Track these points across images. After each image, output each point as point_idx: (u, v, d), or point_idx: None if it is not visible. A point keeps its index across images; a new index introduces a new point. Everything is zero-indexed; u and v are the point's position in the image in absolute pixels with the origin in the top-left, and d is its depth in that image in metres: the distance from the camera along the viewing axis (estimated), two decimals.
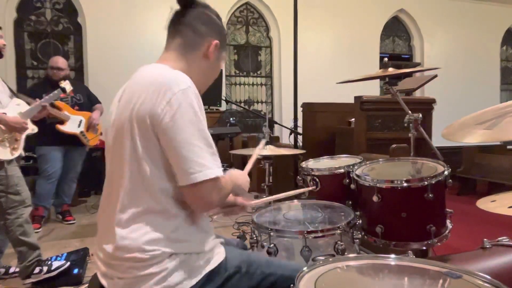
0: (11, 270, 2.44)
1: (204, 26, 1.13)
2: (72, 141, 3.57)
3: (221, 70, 5.68)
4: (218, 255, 1.06)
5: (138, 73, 1.07)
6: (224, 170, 1.05)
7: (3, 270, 2.44)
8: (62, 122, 3.47)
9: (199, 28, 1.12)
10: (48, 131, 3.38)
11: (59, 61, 3.61)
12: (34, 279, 2.25)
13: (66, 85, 3.01)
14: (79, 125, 3.58)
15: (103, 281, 1.01)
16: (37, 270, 2.25)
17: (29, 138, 2.45)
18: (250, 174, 1.35)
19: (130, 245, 0.95)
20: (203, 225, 1.07)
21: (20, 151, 2.30)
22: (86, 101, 3.74)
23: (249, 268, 1.07)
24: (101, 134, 3.82)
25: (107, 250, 1.00)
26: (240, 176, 1.21)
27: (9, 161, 2.21)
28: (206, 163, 0.95)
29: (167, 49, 1.14)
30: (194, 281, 0.98)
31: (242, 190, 1.21)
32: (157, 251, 0.95)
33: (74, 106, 3.63)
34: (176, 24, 1.13)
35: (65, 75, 3.59)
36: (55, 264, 2.30)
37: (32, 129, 2.47)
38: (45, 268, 2.26)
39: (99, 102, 3.90)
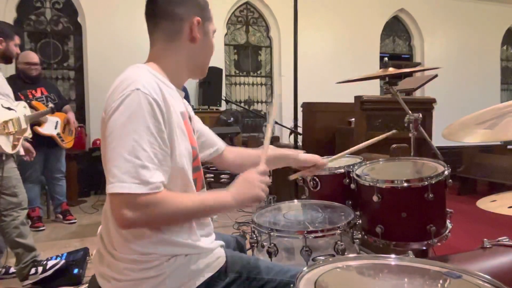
0: (11, 270, 2.44)
1: (180, 8, 1.03)
2: (51, 142, 3.51)
3: (221, 70, 5.69)
4: (219, 260, 1.04)
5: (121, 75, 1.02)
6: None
7: (3, 270, 2.44)
8: (39, 123, 3.39)
9: (176, 12, 1.02)
10: None
11: (35, 56, 3.55)
12: (32, 280, 2.25)
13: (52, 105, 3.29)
14: (55, 127, 3.52)
15: (101, 283, 0.99)
16: (33, 271, 2.26)
17: None
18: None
19: (128, 249, 0.94)
20: (202, 228, 1.06)
21: (17, 149, 2.31)
22: (59, 101, 3.67)
23: (250, 274, 1.05)
24: (77, 136, 3.79)
25: (108, 248, 0.99)
26: (239, 193, 0.99)
27: (7, 158, 2.21)
28: (120, 175, 0.83)
29: (151, 45, 1.07)
30: (193, 286, 0.97)
31: (250, 201, 1.00)
32: (154, 254, 0.94)
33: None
34: (151, 16, 1.05)
35: (40, 71, 3.59)
36: (50, 263, 2.30)
37: (29, 133, 2.48)
38: (40, 268, 2.26)
39: (68, 103, 3.87)
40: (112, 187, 0.84)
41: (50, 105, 3.32)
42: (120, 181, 0.84)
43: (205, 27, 1.08)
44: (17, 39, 2.46)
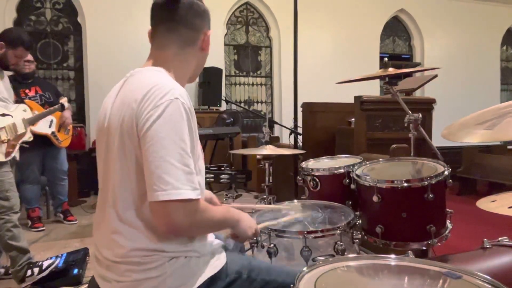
0: (11, 270, 2.44)
1: (198, 19, 1.09)
2: (46, 141, 3.47)
3: (221, 70, 5.69)
4: (219, 260, 1.05)
5: (133, 78, 1.03)
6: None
7: (3, 271, 2.44)
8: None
9: (194, 23, 1.09)
10: None
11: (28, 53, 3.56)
12: (29, 281, 2.25)
13: (65, 102, 3.17)
14: (50, 125, 3.47)
15: (101, 284, 0.99)
16: (29, 272, 2.25)
17: None
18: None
19: (129, 251, 0.94)
20: None
21: (13, 155, 2.29)
22: (55, 100, 3.61)
23: (250, 274, 1.06)
24: (73, 134, 3.76)
25: (104, 255, 0.99)
26: (245, 218, 1.13)
27: (1, 165, 2.21)
28: (174, 182, 0.87)
29: (160, 48, 1.08)
30: (194, 286, 0.97)
31: (242, 231, 1.12)
32: (156, 255, 0.94)
33: (44, 105, 3.49)
34: (168, 21, 1.07)
35: (34, 69, 3.56)
36: (46, 263, 2.29)
37: (29, 137, 2.47)
38: (36, 270, 2.25)
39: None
40: (168, 194, 0.86)
41: (62, 100, 3.23)
42: (175, 188, 0.87)
43: (209, 39, 1.15)
44: (20, 51, 2.43)
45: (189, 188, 0.88)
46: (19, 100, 3.35)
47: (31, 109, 3.35)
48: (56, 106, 3.12)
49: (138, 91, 0.95)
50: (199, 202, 0.92)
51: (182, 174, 0.88)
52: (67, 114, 3.62)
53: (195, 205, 0.90)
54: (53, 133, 3.50)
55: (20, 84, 3.47)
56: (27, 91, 3.47)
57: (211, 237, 1.09)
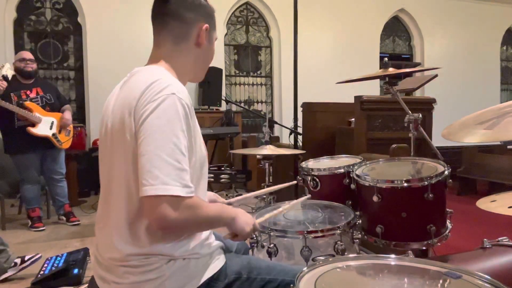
0: (27, 257, 2.42)
1: (190, 12, 1.06)
2: (47, 143, 3.48)
3: (221, 70, 5.68)
4: (218, 261, 1.04)
5: (132, 77, 1.02)
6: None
7: (19, 261, 2.41)
8: (33, 124, 3.36)
9: (185, 16, 1.05)
10: (19, 138, 3.36)
11: (29, 53, 3.57)
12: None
13: (8, 70, 3.13)
14: (51, 127, 3.47)
15: (100, 285, 0.99)
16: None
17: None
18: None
19: (127, 254, 0.94)
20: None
21: None
22: (56, 101, 3.63)
23: (250, 274, 1.05)
24: (74, 136, 3.75)
25: (104, 256, 0.99)
26: (241, 215, 1.07)
27: None
28: (163, 177, 0.84)
29: (157, 46, 1.07)
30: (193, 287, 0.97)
31: (239, 229, 1.04)
32: (153, 258, 0.94)
33: (45, 106, 3.50)
34: (160, 15, 1.06)
35: (36, 69, 3.57)
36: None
37: None
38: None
39: (68, 102, 3.84)
40: (156, 189, 0.84)
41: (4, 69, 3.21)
42: (163, 183, 0.84)
43: (210, 34, 1.12)
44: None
45: (178, 185, 0.86)
46: (18, 101, 3.36)
47: (31, 110, 3.37)
48: None
49: (138, 89, 0.95)
50: (189, 199, 0.88)
51: (173, 170, 0.86)
52: (68, 115, 3.62)
53: (184, 201, 0.87)
54: (54, 134, 3.49)
55: (21, 85, 3.47)
56: (28, 92, 3.46)
57: (210, 238, 1.08)
